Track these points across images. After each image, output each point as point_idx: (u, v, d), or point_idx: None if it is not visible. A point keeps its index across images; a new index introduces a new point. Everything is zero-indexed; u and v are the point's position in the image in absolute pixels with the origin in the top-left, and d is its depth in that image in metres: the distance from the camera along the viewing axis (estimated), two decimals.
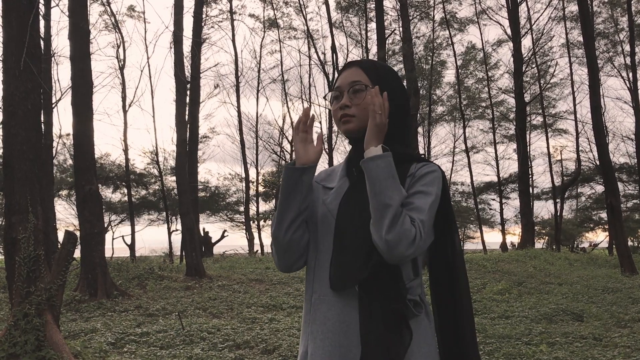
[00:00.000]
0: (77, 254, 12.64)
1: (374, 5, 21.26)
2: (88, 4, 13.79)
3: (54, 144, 22.72)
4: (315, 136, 1.79)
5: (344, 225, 1.72)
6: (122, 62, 27.54)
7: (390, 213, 1.57)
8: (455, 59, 31.78)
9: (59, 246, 6.00)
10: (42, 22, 20.57)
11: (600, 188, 32.66)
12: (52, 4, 21.13)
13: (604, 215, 34.35)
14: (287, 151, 32.84)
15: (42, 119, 20.10)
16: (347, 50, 31.82)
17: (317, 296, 1.75)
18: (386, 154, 1.64)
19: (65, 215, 32.50)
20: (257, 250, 28.70)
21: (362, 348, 1.62)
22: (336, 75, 1.94)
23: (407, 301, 1.65)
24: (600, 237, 37.62)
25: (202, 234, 24.10)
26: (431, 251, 1.77)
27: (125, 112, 27.54)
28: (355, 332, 1.65)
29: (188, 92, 18.23)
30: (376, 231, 1.59)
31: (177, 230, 29.55)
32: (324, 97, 1.83)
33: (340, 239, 1.71)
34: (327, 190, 1.85)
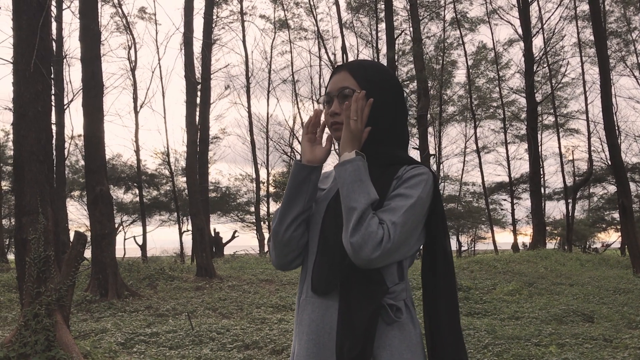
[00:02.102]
0: (88, 254, 12.76)
1: (384, 5, 21.24)
2: (99, 6, 13.90)
3: (66, 145, 22.87)
4: (325, 137, 1.81)
5: (328, 227, 1.72)
6: (133, 64, 27.71)
7: (355, 216, 1.57)
8: (466, 58, 31.67)
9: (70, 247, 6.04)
10: (54, 24, 20.73)
11: (612, 188, 32.47)
12: (64, 6, 21.28)
13: (616, 215, 34.07)
14: (297, 152, 32.84)
15: (53, 120, 20.30)
16: (358, 51, 31.82)
17: (304, 297, 1.77)
18: (356, 158, 1.65)
19: (78, 215, 32.74)
20: (268, 251, 28.69)
21: (336, 351, 1.63)
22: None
23: (386, 306, 1.64)
24: (612, 237, 37.41)
25: (212, 234, 24.18)
26: (422, 255, 1.77)
27: (136, 113, 27.71)
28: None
29: (199, 93, 18.31)
30: (344, 234, 1.60)
31: (188, 230, 29.65)
32: (317, 101, 1.84)
33: (325, 241, 1.72)
34: (320, 191, 1.85)
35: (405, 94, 1.86)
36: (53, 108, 20.36)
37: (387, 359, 1.63)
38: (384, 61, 22.04)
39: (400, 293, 1.69)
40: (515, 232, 31.44)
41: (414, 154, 32.83)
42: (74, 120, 59.05)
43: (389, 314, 1.64)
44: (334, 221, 1.70)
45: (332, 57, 30.48)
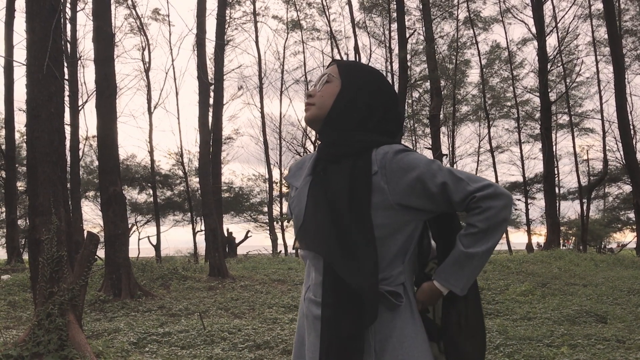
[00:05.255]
0: (101, 254, 12.83)
1: (396, 5, 21.16)
2: (113, 8, 13.98)
3: (81, 145, 23.04)
4: None
5: (309, 233, 1.74)
6: (147, 65, 27.90)
7: (484, 256, 1.66)
8: (480, 58, 31.56)
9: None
10: (68, 26, 20.91)
11: (628, 188, 32.20)
12: (78, 8, 21.43)
13: (632, 215, 33.83)
14: (309, 152, 32.80)
15: (68, 121, 20.28)
16: (370, 51, 31.79)
17: (310, 295, 1.79)
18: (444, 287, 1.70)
19: (92, 216, 32.99)
20: (281, 251, 28.79)
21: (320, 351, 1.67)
22: None
23: (385, 293, 1.64)
24: (628, 237, 37.08)
25: (225, 234, 24.26)
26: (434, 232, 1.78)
27: (150, 114, 27.91)
28: None
29: (212, 94, 18.37)
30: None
31: (201, 230, 29.74)
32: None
33: (314, 249, 1.73)
34: (293, 189, 1.88)
35: (394, 94, 1.85)
36: (68, 109, 20.50)
37: (390, 350, 1.65)
38: (396, 61, 21.99)
39: (397, 277, 1.68)
40: (529, 232, 31.29)
41: (427, 154, 32.62)
42: (89, 121, 59.43)
43: (390, 300, 1.65)
44: (316, 230, 1.70)
45: (345, 57, 30.47)
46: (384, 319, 1.65)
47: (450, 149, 33.64)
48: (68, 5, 20.79)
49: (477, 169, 36.70)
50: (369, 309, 1.60)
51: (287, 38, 33.51)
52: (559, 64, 28.84)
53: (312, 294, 1.78)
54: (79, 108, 21.49)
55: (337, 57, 31.78)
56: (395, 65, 23.65)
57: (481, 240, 1.62)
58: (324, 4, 30.76)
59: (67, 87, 19.83)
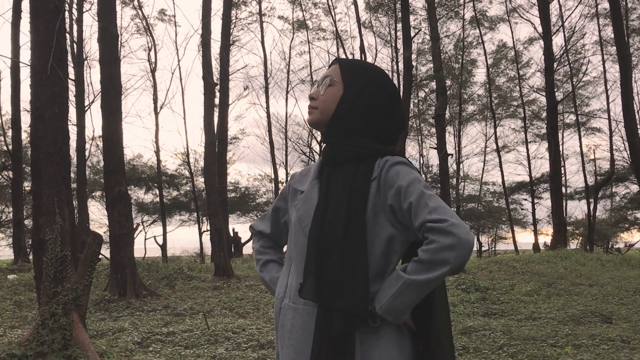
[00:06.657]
0: (107, 254, 12.85)
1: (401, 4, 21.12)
2: (119, 8, 14.04)
3: (87, 145, 23.10)
4: None
5: (315, 238, 1.71)
6: (153, 65, 27.96)
7: (428, 285, 1.57)
8: (486, 57, 31.46)
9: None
10: (74, 27, 20.98)
11: (635, 187, 32.06)
12: (84, 9, 21.50)
13: (639, 214, 33.74)
14: (316, 152, 32.87)
15: (74, 121, 20.28)
16: (376, 50, 31.77)
17: (288, 302, 1.78)
18: (376, 313, 1.62)
19: (99, 216, 33.12)
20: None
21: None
22: None
23: (368, 312, 1.62)
24: (635, 237, 36.92)
25: (231, 234, 24.28)
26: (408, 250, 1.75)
27: (156, 114, 27.96)
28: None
29: (217, 94, 18.39)
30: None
31: (207, 230, 29.77)
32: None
33: (315, 251, 1.70)
34: (298, 193, 1.86)
35: (397, 94, 1.84)
36: (74, 110, 20.52)
37: None
38: (402, 60, 21.94)
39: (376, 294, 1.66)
40: (536, 232, 31.18)
41: (432, 154, 32.55)
42: (95, 122, 59.62)
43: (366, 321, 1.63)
44: (321, 231, 1.69)
45: (350, 57, 30.43)
46: (371, 329, 1.64)
47: (457, 148, 33.60)
48: (74, 6, 20.88)
49: (483, 168, 36.67)
50: (357, 312, 1.61)
51: (292, 38, 33.51)
52: (565, 64, 28.73)
53: (289, 300, 1.77)
54: (85, 108, 21.56)
55: (343, 57, 31.74)
56: (401, 65, 23.60)
57: (417, 271, 1.55)
58: (330, 4, 30.73)
59: (73, 88, 19.90)
